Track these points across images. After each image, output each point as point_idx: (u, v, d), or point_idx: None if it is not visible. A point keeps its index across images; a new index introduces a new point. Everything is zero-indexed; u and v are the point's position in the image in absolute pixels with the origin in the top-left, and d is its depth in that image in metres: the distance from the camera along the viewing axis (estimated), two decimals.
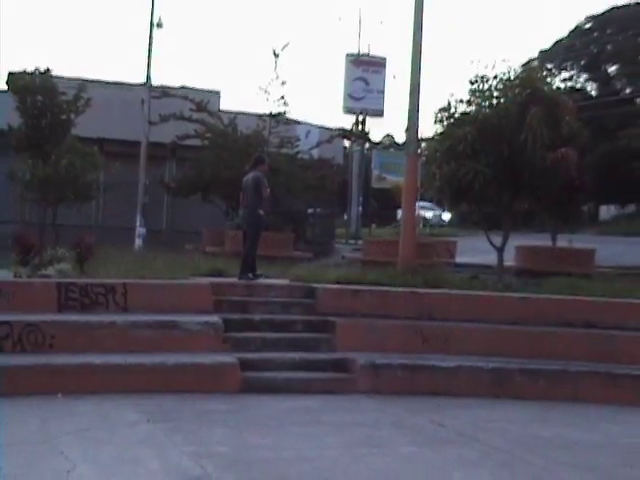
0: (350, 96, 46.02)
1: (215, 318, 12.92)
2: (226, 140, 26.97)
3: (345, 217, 52.15)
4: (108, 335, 12.17)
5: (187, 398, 11.06)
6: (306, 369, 12.43)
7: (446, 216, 53.26)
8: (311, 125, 35.16)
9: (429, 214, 48.98)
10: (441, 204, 47.21)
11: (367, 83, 46.13)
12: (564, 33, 59.35)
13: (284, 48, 27.20)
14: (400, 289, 14.43)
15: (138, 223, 32.11)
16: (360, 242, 36.45)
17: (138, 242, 30.98)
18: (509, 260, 19.50)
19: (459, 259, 23.53)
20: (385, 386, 12.21)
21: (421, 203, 45.77)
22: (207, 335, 12.60)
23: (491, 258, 18.97)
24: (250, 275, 15.27)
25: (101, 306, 13.01)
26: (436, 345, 13.26)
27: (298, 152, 28.54)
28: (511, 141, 17.00)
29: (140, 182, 32.64)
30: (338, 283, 14.82)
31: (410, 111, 17.38)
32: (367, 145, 49.11)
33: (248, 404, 11.13)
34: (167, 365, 11.71)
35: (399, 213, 42.59)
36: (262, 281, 15.25)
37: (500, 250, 18.00)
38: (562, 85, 53.17)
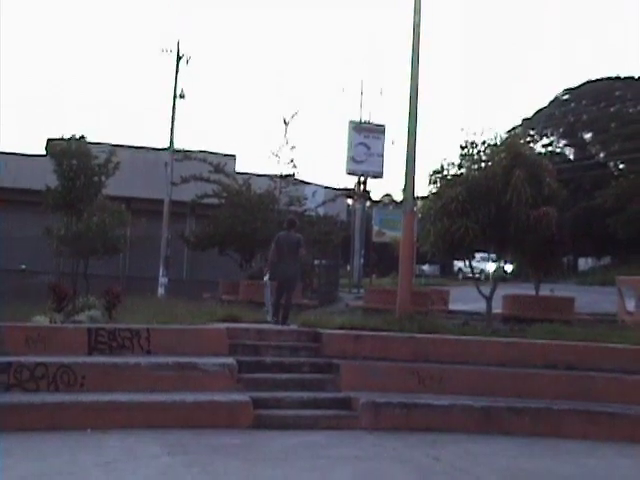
0: (353, 159, 46.27)
1: (230, 360, 12.88)
2: (241, 199, 27.10)
3: (348, 268, 52.10)
4: (133, 375, 12.14)
5: (204, 433, 10.99)
6: (313, 407, 12.35)
7: (508, 267, 50.73)
8: (317, 185, 35.36)
9: (491, 266, 46.89)
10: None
11: (368, 147, 46.39)
12: (545, 103, 59.76)
13: (293, 116, 27.47)
14: (398, 334, 14.40)
15: (161, 273, 32.17)
16: (362, 291, 36.34)
17: (161, 291, 31.03)
18: (497, 308, 19.44)
19: (452, 307, 23.46)
20: (385, 423, 12.12)
21: (480, 254, 44.58)
22: (223, 375, 12.55)
23: (481, 306, 18.93)
24: (287, 322, 15.56)
25: (127, 349, 12.99)
26: (431, 385, 13.19)
27: (306, 210, 28.65)
28: (498, 200, 17.06)
29: (163, 236, 32.78)
30: (342, 329, 14.79)
31: (407, 173, 17.47)
32: (368, 203, 49.37)
33: (260, 439, 11.05)
34: (186, 403, 11.66)
35: (456, 264, 41.93)
36: (273, 327, 15.25)
37: (489, 299, 17.96)
38: (543, 150, 53.61)
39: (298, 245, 16.28)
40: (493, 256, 44.67)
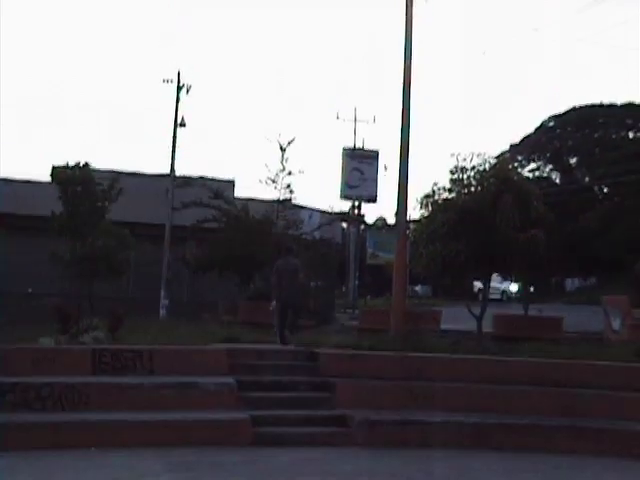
0: (347, 184, 46.26)
1: (230, 380, 12.88)
2: (239, 224, 27.11)
3: (343, 289, 52.08)
4: (136, 395, 12.14)
5: (205, 451, 10.99)
6: (310, 425, 12.34)
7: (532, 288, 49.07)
8: (313, 210, 35.39)
9: (513, 287, 44.98)
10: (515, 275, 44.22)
11: (362, 173, 46.41)
12: (531, 130, 59.95)
13: (290, 143, 27.52)
14: (392, 353, 14.41)
15: (162, 295, 32.13)
16: (357, 312, 36.31)
17: (162, 312, 30.97)
18: (487, 327, 19.45)
19: (444, 326, 23.44)
20: (379, 439, 12.11)
21: (494, 276, 43.78)
22: (223, 394, 12.55)
23: (471, 325, 18.93)
24: (287, 342, 15.67)
25: (130, 369, 12.99)
26: (424, 402, 13.18)
27: (302, 233, 28.66)
28: (487, 224, 17.11)
29: (164, 260, 32.75)
30: (338, 348, 14.80)
31: (399, 199, 17.57)
32: (362, 227, 49.38)
33: (260, 456, 11.04)
34: (187, 421, 11.65)
35: (476, 285, 41.16)
36: (270, 346, 15.25)
37: (479, 318, 17.98)
38: (530, 175, 53.75)
39: (296, 270, 16.49)
40: (509, 277, 43.85)
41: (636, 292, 22.56)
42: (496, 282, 44.13)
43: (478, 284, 42.65)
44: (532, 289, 47.77)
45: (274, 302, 16.66)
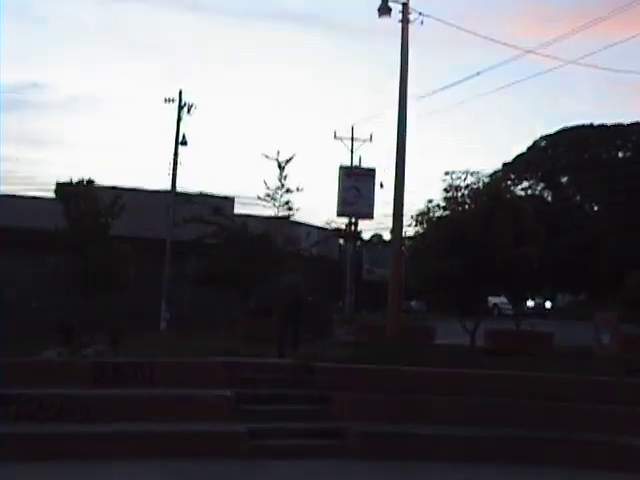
0: (344, 202, 46.23)
1: (228, 392, 12.84)
2: (238, 239, 27.10)
3: (340, 304, 52.01)
4: (136, 407, 12.10)
5: (204, 462, 10.95)
6: (307, 436, 12.30)
7: (548, 304, 48.84)
8: (311, 226, 35.41)
9: (530, 303, 44.48)
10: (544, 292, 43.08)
11: (358, 190, 46.40)
12: (524, 149, 60.15)
13: (288, 161, 27.55)
14: (387, 367, 14.36)
15: (163, 309, 32.08)
16: (353, 326, 36.26)
17: (163, 325, 30.91)
18: (480, 341, 19.43)
19: (438, 341, 23.39)
20: (375, 451, 12.07)
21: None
22: (221, 407, 12.52)
23: (465, 339, 18.92)
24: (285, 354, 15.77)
25: (131, 382, 12.94)
26: (418, 415, 13.15)
27: (300, 249, 28.66)
28: (480, 240, 17.14)
29: (165, 274, 32.72)
30: (335, 362, 14.76)
31: (395, 216, 17.62)
32: (358, 243, 49.36)
33: (258, 467, 11.01)
34: (187, 433, 11.61)
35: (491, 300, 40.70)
36: (268, 360, 15.20)
37: (472, 333, 17.97)
38: (523, 193, 53.87)
39: (298, 286, 16.80)
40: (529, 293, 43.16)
41: (625, 307, 22.56)
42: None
43: (494, 299, 42.23)
44: (549, 305, 47.21)
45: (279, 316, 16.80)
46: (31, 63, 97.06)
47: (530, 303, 43.61)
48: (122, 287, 21.95)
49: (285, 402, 13.27)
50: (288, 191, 27.12)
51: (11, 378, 12.23)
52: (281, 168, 27.14)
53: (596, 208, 55.48)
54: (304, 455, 11.70)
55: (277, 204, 26.95)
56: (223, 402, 12.56)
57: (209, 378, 13.38)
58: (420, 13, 18.16)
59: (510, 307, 45.13)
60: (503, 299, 44.08)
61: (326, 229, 34.39)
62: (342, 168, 47.34)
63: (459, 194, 18.50)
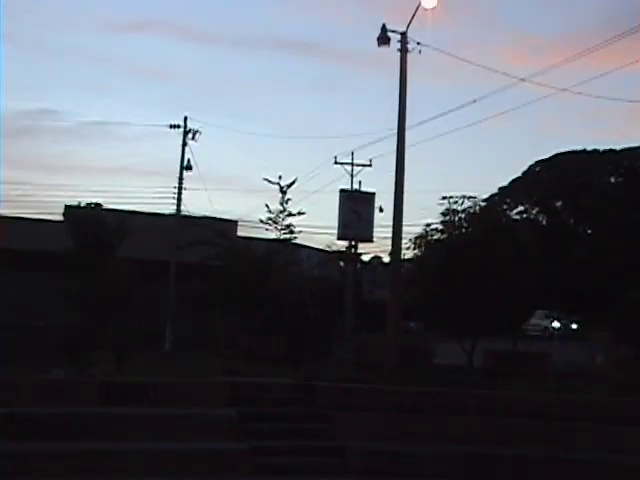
0: (345, 225, 46.22)
1: (231, 411, 12.79)
2: (241, 262, 27.09)
3: (341, 324, 51.87)
4: (140, 425, 12.03)
5: (206, 479, 10.86)
6: (309, 454, 12.24)
7: (574, 325, 46.81)
8: (312, 249, 35.40)
9: (556, 324, 42.12)
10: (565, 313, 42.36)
11: (359, 214, 46.42)
12: (519, 174, 60.25)
13: (290, 186, 27.60)
14: (386, 387, 14.32)
15: (168, 329, 32.01)
16: (353, 346, 36.13)
17: (167, 345, 30.83)
18: (477, 361, 19.34)
19: (436, 361, 23.27)
20: (374, 469, 12.00)
21: (540, 311, 42.05)
22: (224, 425, 12.46)
23: (462, 360, 18.84)
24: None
25: (135, 401, 12.89)
26: (417, 434, 13.08)
27: (302, 271, 28.63)
28: (477, 263, 17.14)
29: (170, 295, 32.68)
30: (335, 381, 14.70)
31: (394, 239, 17.58)
32: (359, 265, 49.27)
33: None
34: (190, 451, 11.54)
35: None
36: (270, 379, 15.13)
37: (470, 353, 17.90)
38: (518, 217, 53.87)
39: (303, 307, 16.60)
40: (555, 314, 42.85)
41: (619, 329, 22.48)
42: (538, 318, 43.22)
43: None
44: (575, 326, 46.66)
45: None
46: (44, 90, 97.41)
47: (556, 324, 42.69)
48: (127, 308, 21.94)
49: (286, 421, 13.21)
50: (290, 215, 27.20)
51: (19, 397, 12.19)
52: (283, 192, 27.22)
53: (589, 231, 55.51)
54: (305, 473, 11.63)
55: (279, 227, 27.01)
56: (225, 421, 12.51)
57: (212, 397, 13.32)
58: (418, 43, 18.25)
59: (538, 328, 43.14)
60: (529, 320, 44.07)
61: (327, 251, 34.37)
62: (342, 192, 47.38)
63: (456, 218, 18.52)
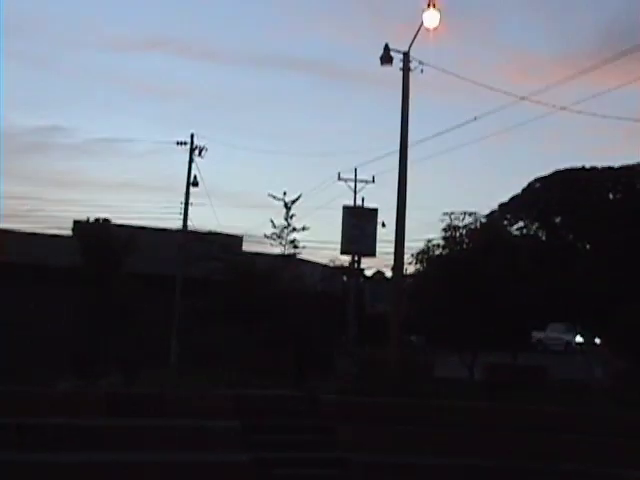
0: (347, 240, 46.24)
1: (236, 423, 12.80)
2: (246, 276, 27.11)
3: (343, 338, 51.77)
4: (148, 436, 12.06)
5: None
6: (312, 466, 12.25)
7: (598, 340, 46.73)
8: (316, 264, 35.43)
9: (579, 338, 41.84)
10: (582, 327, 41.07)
11: (361, 230, 46.44)
12: (518, 190, 60.28)
13: (294, 202, 27.68)
14: (389, 399, 14.32)
15: (174, 343, 32.02)
16: (355, 359, 36.04)
17: (174, 358, 30.82)
18: (477, 374, 19.31)
19: (437, 374, 23.23)
20: (376, 479, 12.01)
21: (555, 325, 41.08)
22: (229, 437, 12.48)
23: (463, 373, 18.81)
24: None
25: (142, 413, 12.90)
26: (418, 446, 13.07)
27: (305, 286, 28.64)
28: (478, 278, 17.15)
29: (176, 309, 32.70)
30: (338, 394, 14.71)
31: (396, 253, 17.60)
32: (361, 279, 49.24)
33: None
34: (195, 462, 11.56)
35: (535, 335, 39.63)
36: (274, 391, 15.14)
37: (470, 367, 17.90)
38: (518, 232, 53.87)
39: (308, 321, 16.62)
40: (574, 327, 41.81)
41: (617, 343, 22.45)
42: (559, 332, 42.57)
43: (538, 334, 41.40)
44: (598, 341, 46.02)
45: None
46: (54, 107, 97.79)
47: (579, 339, 41.79)
48: (135, 321, 22.01)
49: (290, 432, 13.22)
50: (294, 230, 27.27)
51: (28, 408, 12.21)
52: (287, 208, 27.31)
53: (588, 247, 55.46)
54: None
55: (284, 242, 27.08)
56: (230, 432, 12.51)
57: (217, 409, 13.33)
58: (420, 62, 18.34)
59: (560, 342, 41.89)
60: (549, 334, 42.63)
61: (330, 267, 34.38)
62: (346, 208, 47.43)
63: (457, 234, 18.56)
